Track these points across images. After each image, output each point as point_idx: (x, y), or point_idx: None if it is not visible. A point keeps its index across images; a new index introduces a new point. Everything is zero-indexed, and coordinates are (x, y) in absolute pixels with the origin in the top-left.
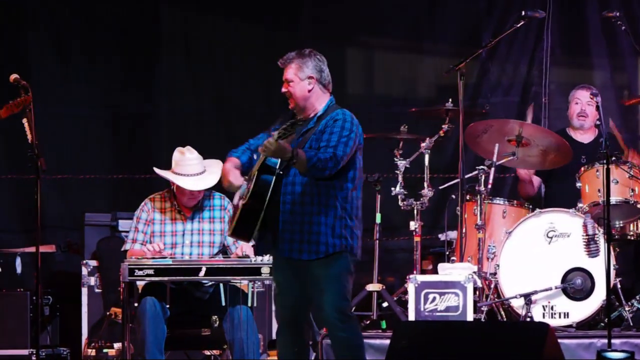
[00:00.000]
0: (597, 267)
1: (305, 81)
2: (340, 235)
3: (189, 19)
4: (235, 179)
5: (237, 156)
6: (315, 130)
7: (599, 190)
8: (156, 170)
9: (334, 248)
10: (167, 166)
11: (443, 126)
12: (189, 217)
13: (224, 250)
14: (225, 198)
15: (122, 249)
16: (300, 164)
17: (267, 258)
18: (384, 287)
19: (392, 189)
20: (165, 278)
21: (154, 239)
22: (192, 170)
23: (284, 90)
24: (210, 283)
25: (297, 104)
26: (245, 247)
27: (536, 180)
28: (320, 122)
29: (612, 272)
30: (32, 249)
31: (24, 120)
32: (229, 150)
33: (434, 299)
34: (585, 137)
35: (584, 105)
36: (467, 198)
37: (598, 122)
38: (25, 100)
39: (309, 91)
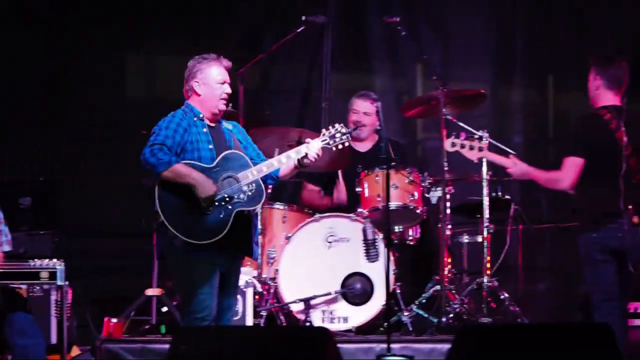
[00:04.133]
0: (377, 271)
1: None
2: None
3: None
4: None
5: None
6: None
7: (378, 195)
8: None
9: None
10: None
11: None
12: None
13: None
14: None
15: None
16: None
17: (46, 262)
18: (164, 292)
19: None
20: None
21: None
22: None
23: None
24: None
25: None
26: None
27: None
28: None
29: (392, 277)
30: None
31: None
32: None
33: None
34: (363, 145)
35: (360, 116)
36: None
37: (379, 128)
38: None
39: None
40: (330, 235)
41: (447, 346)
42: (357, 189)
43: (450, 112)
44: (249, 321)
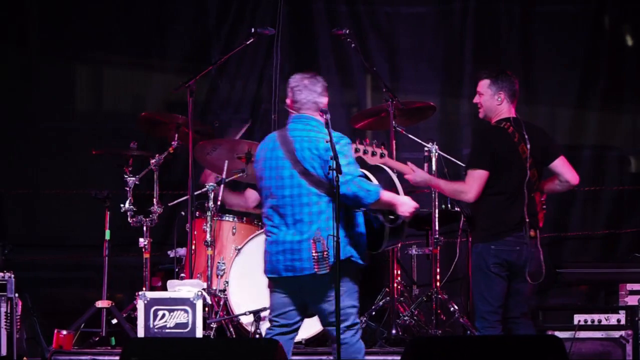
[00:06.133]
0: None
1: None
2: None
3: None
4: None
5: None
6: None
7: None
8: None
9: None
10: None
11: (172, 143)
12: None
13: None
14: None
15: None
16: None
17: None
18: (113, 304)
19: (122, 205)
20: None
21: None
22: None
23: None
24: None
25: None
26: None
27: (252, 194)
28: None
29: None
30: None
31: None
32: None
33: (164, 315)
34: None
35: None
36: (197, 215)
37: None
38: None
39: None
40: None
41: (397, 358)
42: None
43: (400, 125)
44: (199, 333)
